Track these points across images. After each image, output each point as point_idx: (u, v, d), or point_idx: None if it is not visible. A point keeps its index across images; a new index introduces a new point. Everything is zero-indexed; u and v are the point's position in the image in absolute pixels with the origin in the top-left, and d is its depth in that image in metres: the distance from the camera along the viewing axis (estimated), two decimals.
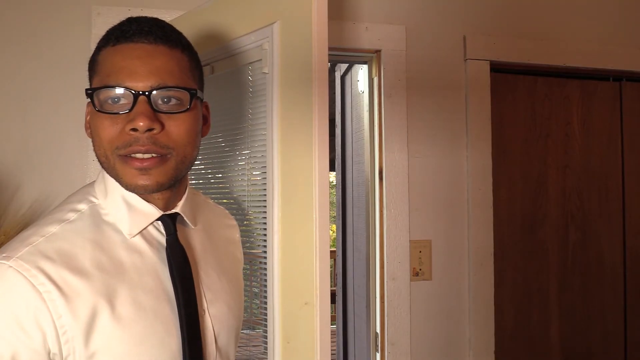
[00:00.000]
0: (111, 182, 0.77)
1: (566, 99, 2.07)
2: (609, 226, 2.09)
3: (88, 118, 0.76)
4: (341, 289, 2.50)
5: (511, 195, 1.99)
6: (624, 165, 2.11)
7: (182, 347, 0.74)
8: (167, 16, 1.60)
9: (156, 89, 0.71)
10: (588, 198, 2.07)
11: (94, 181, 0.82)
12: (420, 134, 1.86)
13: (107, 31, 0.75)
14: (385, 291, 1.78)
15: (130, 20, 0.75)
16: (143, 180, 0.71)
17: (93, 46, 0.78)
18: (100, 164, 0.75)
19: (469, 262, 1.87)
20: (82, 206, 0.76)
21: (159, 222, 0.78)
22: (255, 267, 1.24)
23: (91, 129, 0.74)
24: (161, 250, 0.77)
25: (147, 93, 0.70)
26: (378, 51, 1.83)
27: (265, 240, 1.15)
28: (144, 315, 0.72)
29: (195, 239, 0.85)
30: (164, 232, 0.78)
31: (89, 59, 0.78)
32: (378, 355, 1.82)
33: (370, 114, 1.89)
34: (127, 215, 0.76)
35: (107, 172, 0.75)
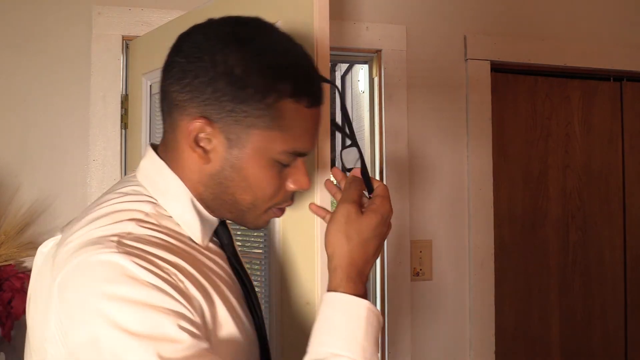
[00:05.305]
0: (177, 184, 0.71)
1: (567, 99, 2.07)
2: (609, 226, 2.09)
3: (213, 142, 0.67)
4: None
5: (511, 195, 1.99)
6: (625, 165, 2.11)
7: (259, 347, 0.77)
8: (168, 17, 1.60)
9: None
10: (588, 198, 2.07)
11: (133, 178, 0.74)
12: (421, 133, 1.86)
13: (298, 82, 0.67)
14: (386, 291, 1.78)
15: (317, 77, 0.72)
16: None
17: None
18: (230, 202, 0.71)
19: (469, 262, 1.87)
20: (146, 207, 0.68)
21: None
22: (256, 267, 1.24)
23: (245, 172, 0.69)
24: (217, 255, 0.76)
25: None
26: (379, 51, 1.83)
27: (265, 240, 1.15)
28: (234, 319, 0.71)
29: None
30: (215, 238, 0.78)
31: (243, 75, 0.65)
32: (378, 355, 1.82)
33: (371, 114, 1.89)
34: (199, 223, 0.72)
35: (233, 207, 0.72)
